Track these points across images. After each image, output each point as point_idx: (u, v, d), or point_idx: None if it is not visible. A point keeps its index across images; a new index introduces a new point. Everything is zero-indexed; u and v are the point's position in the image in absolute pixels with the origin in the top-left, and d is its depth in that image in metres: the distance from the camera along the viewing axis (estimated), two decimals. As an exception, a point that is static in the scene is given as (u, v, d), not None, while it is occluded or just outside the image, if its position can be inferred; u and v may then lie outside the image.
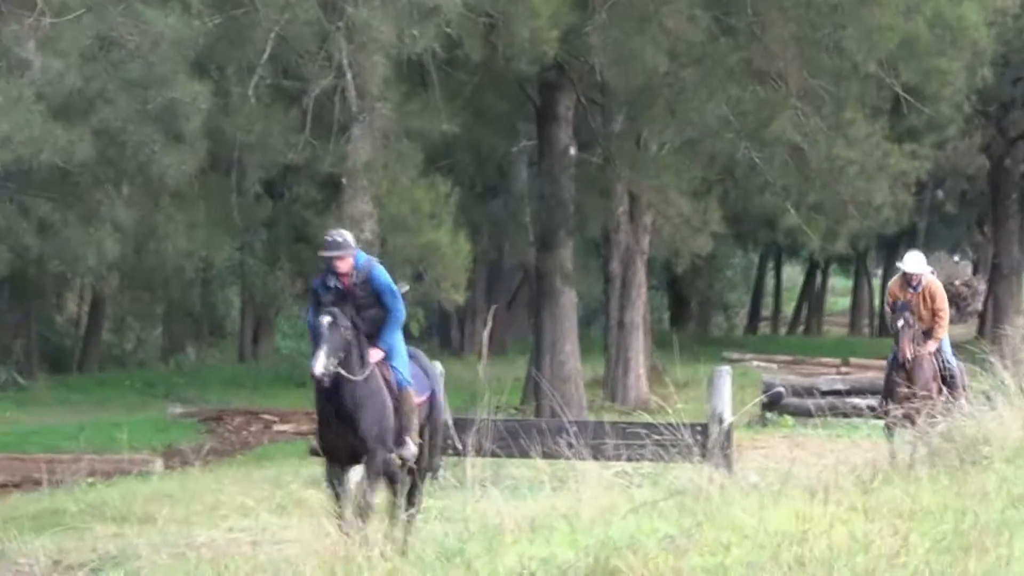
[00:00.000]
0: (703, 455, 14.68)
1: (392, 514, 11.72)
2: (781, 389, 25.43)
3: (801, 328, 67.16)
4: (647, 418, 18.06)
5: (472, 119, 28.22)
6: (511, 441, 16.84)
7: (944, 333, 17.86)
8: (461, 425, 17.19)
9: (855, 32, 27.49)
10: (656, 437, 15.49)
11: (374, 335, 11.93)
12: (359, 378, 11.53)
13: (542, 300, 31.75)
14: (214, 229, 27.13)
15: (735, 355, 40.98)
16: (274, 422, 30.10)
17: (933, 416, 14.18)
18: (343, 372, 11.35)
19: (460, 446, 14.99)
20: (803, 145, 28.27)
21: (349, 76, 23.31)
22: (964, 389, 17.44)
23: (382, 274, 11.99)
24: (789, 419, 24.51)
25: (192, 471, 21.88)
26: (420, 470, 12.51)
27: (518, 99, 31.15)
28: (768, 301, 70.62)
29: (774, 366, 38.20)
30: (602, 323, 38.61)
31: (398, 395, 12.03)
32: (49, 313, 41.80)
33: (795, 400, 24.66)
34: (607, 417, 25.92)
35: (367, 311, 11.86)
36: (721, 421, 17.99)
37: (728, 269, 64.65)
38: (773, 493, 10.21)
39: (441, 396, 13.88)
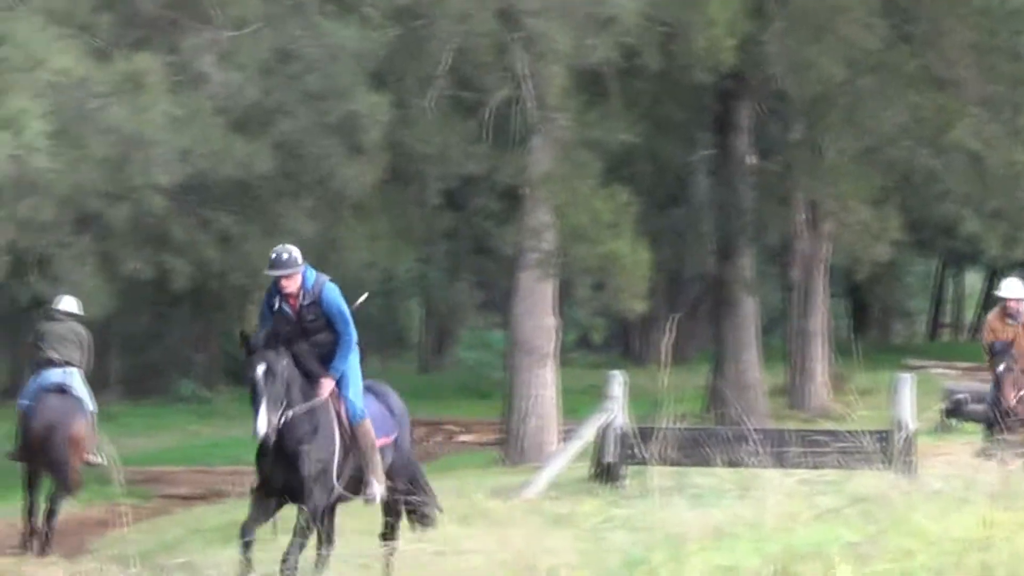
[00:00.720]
0: (886, 462, 14.39)
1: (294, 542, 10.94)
2: (963, 396, 25.15)
3: (983, 335, 63.81)
4: (829, 425, 18.92)
5: (651, 128, 27.49)
6: (694, 449, 16.64)
7: None
8: (644, 434, 17.15)
9: (1033, 37, 26.92)
10: (838, 444, 15.88)
11: (325, 362, 11.14)
12: (300, 409, 10.67)
13: (723, 309, 31.57)
14: (395, 241, 27.23)
15: (916, 362, 39.04)
16: (457, 432, 30.34)
17: None
18: (288, 413, 10.56)
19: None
20: (982, 152, 27.34)
21: (528, 87, 22.98)
22: None
23: (333, 295, 11.11)
24: (971, 426, 23.16)
25: None
26: (408, 514, 11.85)
27: (696, 108, 30.53)
28: (949, 308, 69.17)
29: (956, 372, 36.65)
30: (783, 331, 37.88)
31: (352, 430, 11.15)
32: (230, 326, 42.21)
33: (977, 406, 22.80)
34: (789, 425, 25.54)
35: (317, 335, 11.10)
36: (903, 428, 17.66)
37: (908, 276, 63.63)
38: (957, 499, 9.29)
39: (407, 440, 12.49)
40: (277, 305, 10.86)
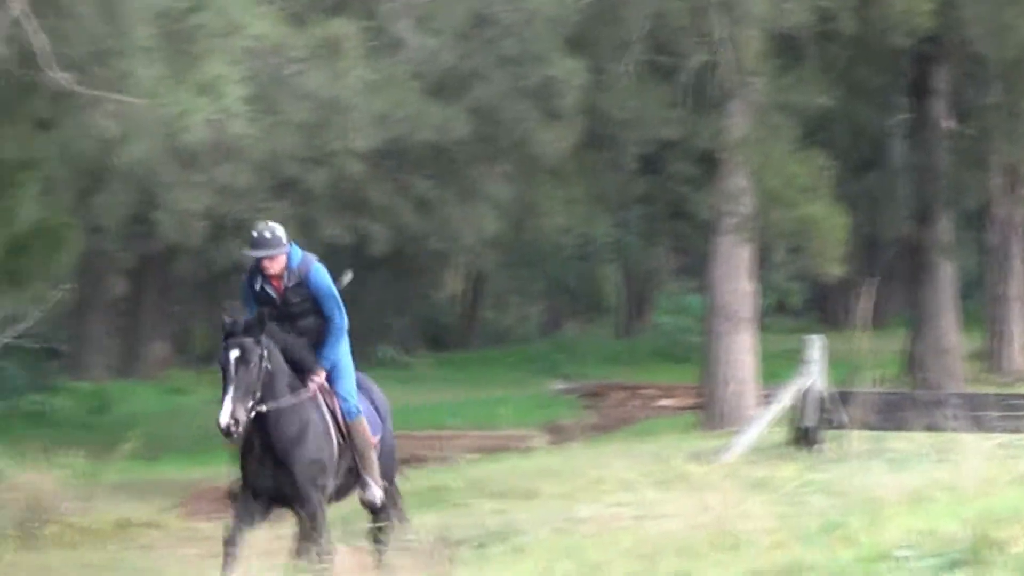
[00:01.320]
0: (1084, 425, 15.35)
1: (299, 549, 10.57)
2: None
3: None
4: (1027, 389, 18.64)
5: (846, 93, 27.04)
6: (891, 414, 16.78)
7: None
8: (843, 398, 17.47)
9: None
10: (1038, 408, 17.53)
11: (315, 347, 10.50)
12: (286, 403, 10.02)
13: (920, 273, 30.74)
14: (592, 205, 27.71)
15: (1118, 326, 38.38)
16: (656, 397, 30.06)
17: None
18: (265, 407, 9.84)
19: None
20: None
21: (724, 51, 22.70)
22: None
23: (321, 276, 10.31)
24: None
25: (573, 446, 21.87)
26: (381, 511, 11.22)
27: (893, 72, 29.76)
28: None
29: None
30: (980, 295, 37.04)
31: (348, 427, 10.51)
32: (429, 291, 44.13)
33: None
34: (987, 389, 25.27)
35: (303, 320, 10.40)
36: (1100, 391, 17.75)
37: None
38: None
39: (390, 438, 11.65)
40: (260, 287, 10.25)
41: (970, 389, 25.72)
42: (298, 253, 10.24)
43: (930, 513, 8.07)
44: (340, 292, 10.71)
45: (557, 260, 40.14)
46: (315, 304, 10.21)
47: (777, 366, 23.25)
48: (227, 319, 9.85)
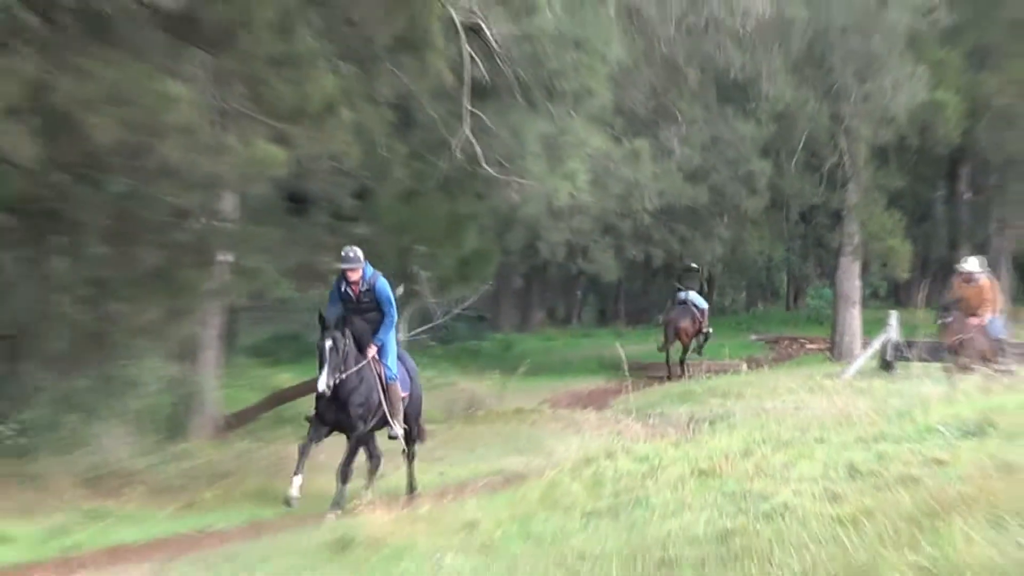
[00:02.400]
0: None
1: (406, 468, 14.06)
2: None
3: None
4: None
5: (912, 178, 34.23)
6: (933, 353, 20.80)
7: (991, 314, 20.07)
8: (908, 345, 22.16)
9: None
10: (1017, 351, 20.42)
11: (373, 331, 12.77)
12: (352, 370, 12.41)
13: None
14: (773, 239, 42.41)
15: None
16: (806, 343, 37.26)
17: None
18: (341, 376, 12.25)
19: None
20: None
21: (846, 155, 30.05)
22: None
23: (384, 286, 12.73)
24: None
25: (763, 370, 26.97)
26: (410, 442, 13.82)
27: (936, 166, 37.69)
28: None
29: None
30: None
31: (387, 388, 12.83)
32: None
33: None
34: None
35: (368, 313, 12.76)
36: None
37: None
38: None
39: (418, 392, 14.11)
40: (344, 289, 12.61)
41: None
42: (370, 269, 12.65)
43: (955, 406, 11.74)
44: (396, 299, 13.40)
45: (754, 268, 50.92)
46: (377, 304, 12.66)
47: (873, 327, 27.93)
48: (326, 317, 12.18)
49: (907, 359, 21.28)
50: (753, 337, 39.09)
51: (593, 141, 21.68)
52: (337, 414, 12.37)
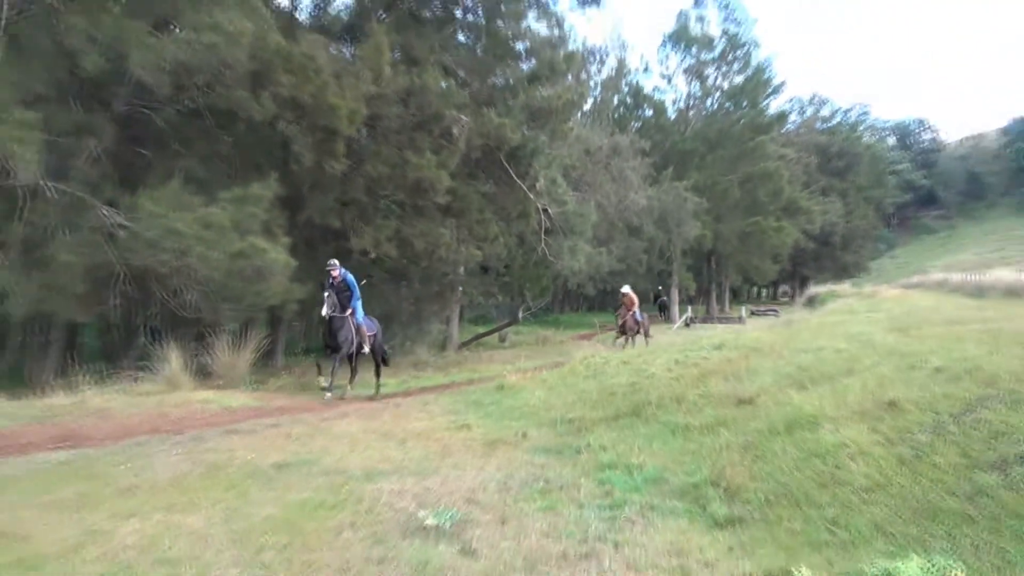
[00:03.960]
0: None
1: (359, 379, 22.69)
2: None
3: None
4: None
5: None
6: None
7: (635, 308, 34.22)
8: None
9: None
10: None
11: (347, 303, 20.72)
12: (344, 315, 20.60)
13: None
14: None
15: None
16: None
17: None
18: (336, 314, 20.40)
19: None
20: None
21: None
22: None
23: (350, 279, 20.76)
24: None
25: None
26: (377, 359, 22.79)
27: None
28: None
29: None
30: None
31: (358, 327, 20.92)
32: None
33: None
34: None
35: (344, 293, 20.54)
36: None
37: None
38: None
39: (380, 336, 22.83)
40: (330, 281, 20.38)
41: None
42: (342, 270, 20.74)
43: (710, 339, 20.28)
44: (360, 286, 21.89)
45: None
46: (348, 287, 20.77)
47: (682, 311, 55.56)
48: (327, 284, 20.50)
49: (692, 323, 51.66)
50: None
51: (586, 248, 41.20)
52: (332, 341, 20.51)
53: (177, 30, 23.86)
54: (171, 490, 9.67)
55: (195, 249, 22.72)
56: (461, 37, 35.00)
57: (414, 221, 32.92)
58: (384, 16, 32.49)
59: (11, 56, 23.06)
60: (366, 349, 21.68)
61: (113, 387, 18.70)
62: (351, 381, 22.22)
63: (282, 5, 32.53)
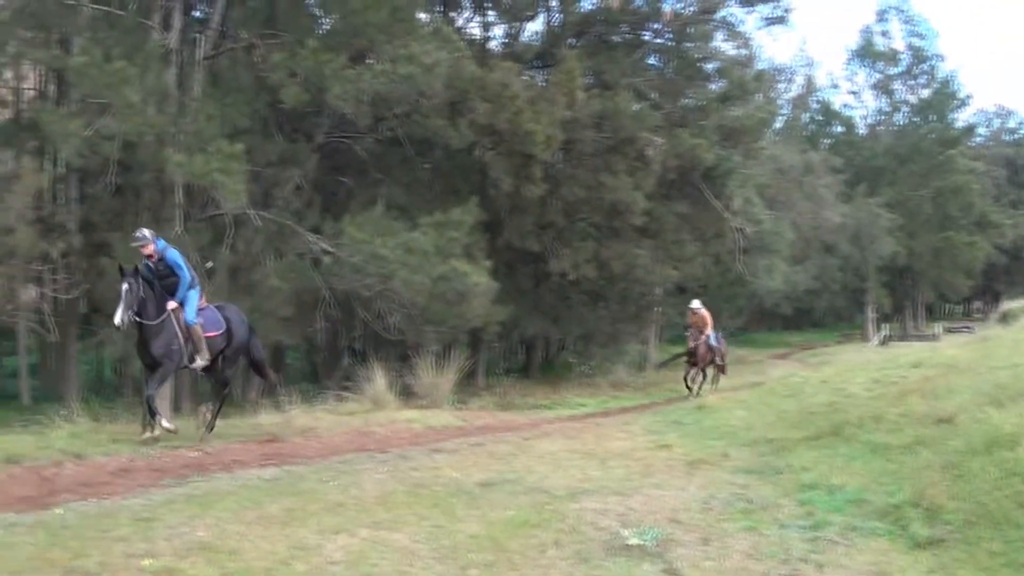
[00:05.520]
0: None
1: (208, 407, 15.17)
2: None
3: None
4: None
5: None
6: None
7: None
8: None
9: None
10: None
11: (173, 292, 13.69)
12: (154, 322, 13.39)
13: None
14: None
15: None
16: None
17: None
18: (139, 319, 13.25)
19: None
20: None
21: None
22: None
23: (173, 255, 13.77)
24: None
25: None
26: (221, 374, 15.01)
27: None
28: None
29: None
30: None
31: (188, 330, 13.84)
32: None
33: None
34: None
35: (168, 279, 13.72)
36: None
37: None
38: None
39: (241, 333, 14.98)
40: (145, 261, 13.66)
41: None
42: (162, 243, 13.87)
43: (905, 357, 19.40)
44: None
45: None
46: (172, 271, 13.78)
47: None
48: (123, 268, 13.34)
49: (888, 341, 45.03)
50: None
51: (782, 267, 44.82)
52: (146, 356, 13.65)
53: (374, 62, 24.22)
54: (377, 507, 9.57)
55: (399, 273, 23.24)
56: (651, 60, 35.48)
57: (611, 243, 33.20)
58: (575, 42, 32.96)
59: (212, 91, 23.83)
60: (199, 361, 14.11)
61: (319, 406, 18.78)
62: (210, 414, 14.92)
63: (474, 35, 33.44)
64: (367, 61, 24.96)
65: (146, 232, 13.71)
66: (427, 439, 15.75)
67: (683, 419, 17.44)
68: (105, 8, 23.71)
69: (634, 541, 7.96)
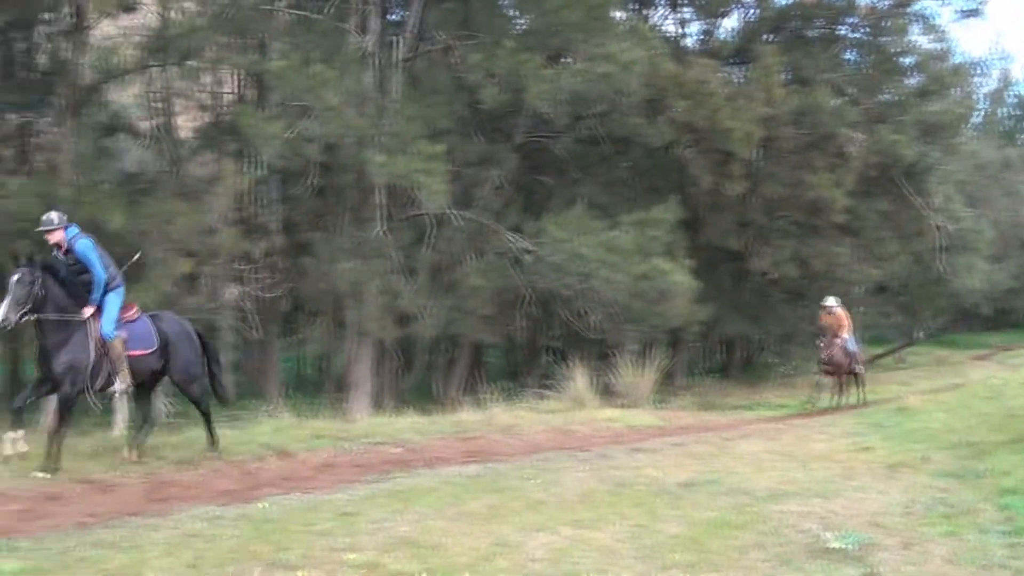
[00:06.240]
0: None
1: (136, 431, 12.19)
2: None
3: None
4: None
5: None
6: None
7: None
8: None
9: None
10: None
11: (89, 292, 11.06)
12: (56, 331, 10.79)
13: None
14: None
15: None
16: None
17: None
18: (41, 316, 10.69)
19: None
20: None
21: None
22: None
23: (84, 247, 11.03)
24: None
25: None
26: (157, 402, 13.08)
27: None
28: None
29: None
30: None
31: (105, 346, 11.07)
32: None
33: None
34: None
35: (83, 275, 11.09)
36: None
37: None
38: None
39: (186, 351, 12.08)
40: (55, 252, 11.12)
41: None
42: (72, 231, 11.12)
43: None
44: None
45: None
46: (86, 269, 11.03)
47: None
48: (21, 264, 10.69)
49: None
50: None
51: (982, 266, 39.49)
52: (45, 370, 10.99)
53: (571, 61, 24.18)
54: (578, 505, 9.53)
55: (599, 272, 23.11)
56: (847, 55, 34.77)
57: (811, 240, 32.40)
58: (770, 38, 32.28)
59: (411, 93, 24.00)
60: (119, 385, 11.43)
61: (519, 404, 18.92)
62: (143, 432, 12.29)
63: (669, 32, 33.29)
64: (564, 60, 24.87)
65: (53, 215, 11.16)
66: (627, 438, 15.74)
67: (884, 421, 17.07)
68: (301, 13, 24.19)
69: (835, 545, 7.75)
